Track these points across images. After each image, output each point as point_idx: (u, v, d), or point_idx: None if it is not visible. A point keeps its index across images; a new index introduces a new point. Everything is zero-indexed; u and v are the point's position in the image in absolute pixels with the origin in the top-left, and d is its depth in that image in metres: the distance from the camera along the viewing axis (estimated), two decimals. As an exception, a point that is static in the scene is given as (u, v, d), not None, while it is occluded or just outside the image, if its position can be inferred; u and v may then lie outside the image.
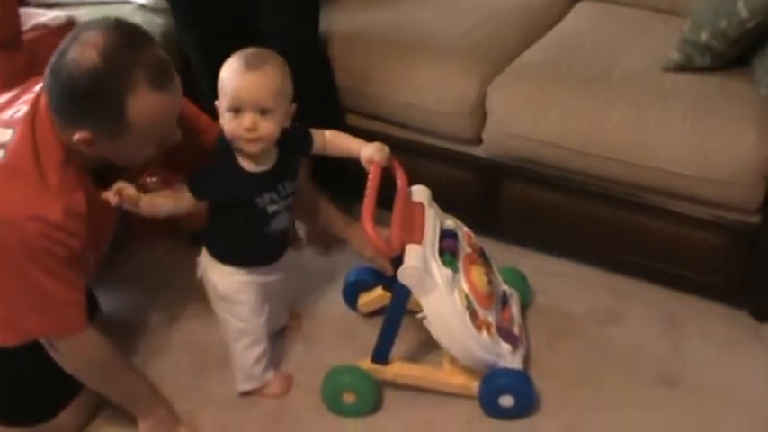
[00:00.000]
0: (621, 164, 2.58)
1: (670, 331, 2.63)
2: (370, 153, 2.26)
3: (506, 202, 2.89)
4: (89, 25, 1.92)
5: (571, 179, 2.72)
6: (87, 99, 1.85)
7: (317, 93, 2.76)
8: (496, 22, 3.06)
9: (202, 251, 2.34)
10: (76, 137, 1.89)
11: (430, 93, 2.81)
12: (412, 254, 2.17)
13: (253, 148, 2.11)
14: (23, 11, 2.60)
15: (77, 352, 2.12)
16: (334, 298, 2.75)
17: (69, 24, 2.67)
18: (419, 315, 2.23)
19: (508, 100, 2.74)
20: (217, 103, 2.12)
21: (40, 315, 2.01)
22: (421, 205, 2.35)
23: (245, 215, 2.21)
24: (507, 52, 2.92)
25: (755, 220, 2.52)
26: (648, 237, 2.70)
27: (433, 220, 2.33)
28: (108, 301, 2.71)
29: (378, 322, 2.54)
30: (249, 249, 2.30)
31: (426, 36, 2.95)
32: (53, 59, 1.88)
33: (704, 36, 2.61)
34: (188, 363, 2.57)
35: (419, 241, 2.21)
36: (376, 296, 2.60)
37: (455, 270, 2.23)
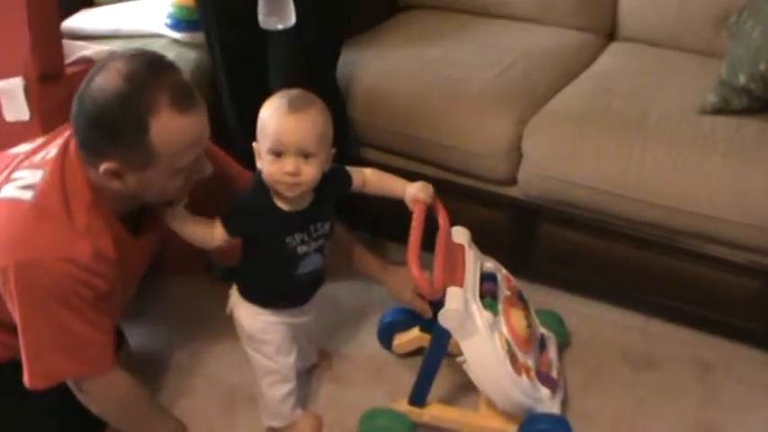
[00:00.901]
0: (659, 208, 2.56)
1: (705, 377, 2.60)
2: (414, 192, 2.25)
3: (541, 243, 2.87)
4: (114, 55, 1.93)
5: (607, 222, 2.70)
6: (111, 124, 1.84)
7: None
8: (531, 62, 3.04)
9: (233, 286, 2.32)
10: (103, 168, 1.88)
11: (466, 134, 2.79)
12: (453, 296, 2.14)
13: (292, 193, 2.07)
14: (67, 43, 2.59)
15: (104, 393, 2.11)
16: (365, 337, 2.73)
17: None
18: (459, 358, 2.21)
19: (544, 141, 2.72)
20: (255, 144, 2.09)
21: (68, 357, 2.00)
22: (461, 247, 2.33)
23: (274, 254, 2.18)
24: (543, 93, 2.90)
25: (792, 265, 2.50)
26: (685, 281, 2.67)
27: (474, 262, 2.31)
28: (137, 337, 2.69)
29: (409, 363, 2.56)
30: (277, 290, 2.27)
31: (462, 76, 2.92)
32: (80, 90, 1.89)
33: (742, 78, 2.59)
34: (216, 401, 2.54)
35: (460, 284, 2.19)
36: (412, 337, 2.57)
37: (495, 313, 2.21)
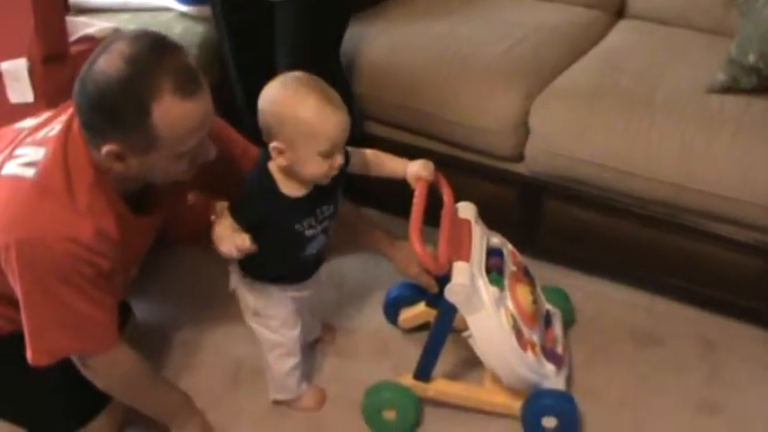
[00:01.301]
0: (666, 186, 2.55)
1: (709, 355, 2.60)
2: (416, 170, 2.25)
3: (547, 220, 2.87)
4: (118, 36, 1.90)
5: (613, 199, 2.70)
6: (113, 107, 1.82)
7: None
8: (539, 39, 3.03)
9: (234, 264, 2.31)
10: (105, 150, 1.86)
11: (473, 109, 2.79)
12: (460, 271, 2.15)
13: (328, 181, 2.11)
14: (70, 20, 2.58)
15: (109, 369, 2.11)
16: (370, 312, 2.73)
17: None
18: (464, 333, 2.21)
19: (551, 118, 2.72)
20: (277, 144, 2.04)
21: (70, 334, 2.00)
22: (467, 222, 2.33)
23: (282, 238, 2.18)
24: (550, 69, 2.89)
25: (798, 244, 2.49)
26: (690, 259, 2.67)
27: (480, 238, 2.31)
28: (142, 311, 2.71)
29: (414, 338, 2.57)
30: (282, 270, 2.28)
31: (469, 51, 2.92)
32: (82, 71, 1.86)
33: (751, 57, 2.58)
34: (220, 375, 2.56)
35: (466, 258, 2.19)
36: (418, 312, 2.57)
37: (501, 288, 2.21)
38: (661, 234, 2.69)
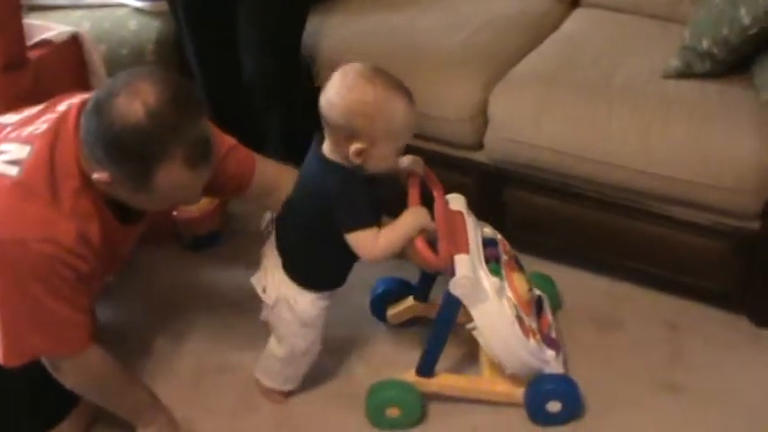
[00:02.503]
0: (623, 170, 2.60)
1: (670, 337, 2.65)
2: (407, 165, 2.25)
3: (507, 207, 2.89)
4: (147, 72, 1.89)
5: (572, 185, 2.73)
6: (120, 153, 1.82)
7: (297, 101, 2.74)
8: (496, 28, 3.05)
9: (273, 287, 2.25)
10: (95, 175, 1.87)
11: (431, 98, 2.77)
12: (462, 264, 2.15)
13: None
14: (26, 24, 2.52)
15: (80, 371, 2.10)
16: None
17: (74, 39, 2.62)
18: (468, 325, 2.21)
19: (510, 106, 2.74)
20: (360, 146, 2.00)
21: (44, 336, 1.98)
22: (460, 214, 2.32)
23: None
24: (508, 58, 2.92)
25: (755, 226, 2.54)
26: (648, 243, 2.72)
27: (474, 228, 2.31)
28: (109, 312, 2.69)
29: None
30: (346, 269, 2.29)
31: (428, 42, 2.94)
32: (100, 94, 1.86)
33: (705, 43, 2.64)
34: (187, 373, 2.55)
35: (466, 251, 2.19)
36: (406, 307, 2.57)
37: (501, 278, 2.21)
38: (621, 219, 2.73)
